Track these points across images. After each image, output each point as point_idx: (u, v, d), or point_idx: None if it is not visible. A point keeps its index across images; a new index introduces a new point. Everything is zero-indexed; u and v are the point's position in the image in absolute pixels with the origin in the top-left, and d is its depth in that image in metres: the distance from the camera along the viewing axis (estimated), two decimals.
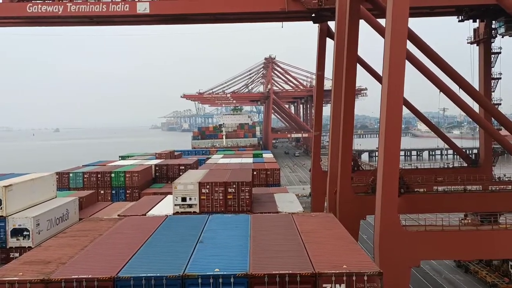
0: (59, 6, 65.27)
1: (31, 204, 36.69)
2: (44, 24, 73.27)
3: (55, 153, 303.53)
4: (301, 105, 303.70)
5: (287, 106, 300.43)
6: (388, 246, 36.64)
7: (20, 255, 28.44)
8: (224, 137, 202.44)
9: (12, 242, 33.28)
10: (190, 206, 35.20)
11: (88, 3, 65.60)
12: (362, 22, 52.66)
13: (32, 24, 72.85)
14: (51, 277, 16.49)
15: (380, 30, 50.68)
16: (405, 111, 55.83)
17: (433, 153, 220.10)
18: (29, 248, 31.41)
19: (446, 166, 76.75)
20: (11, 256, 32.18)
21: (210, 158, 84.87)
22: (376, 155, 53.39)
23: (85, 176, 54.85)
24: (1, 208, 33.31)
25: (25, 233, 33.37)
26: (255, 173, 56.96)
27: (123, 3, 65.61)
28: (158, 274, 16.50)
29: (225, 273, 16.55)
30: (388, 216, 36.72)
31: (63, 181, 54.22)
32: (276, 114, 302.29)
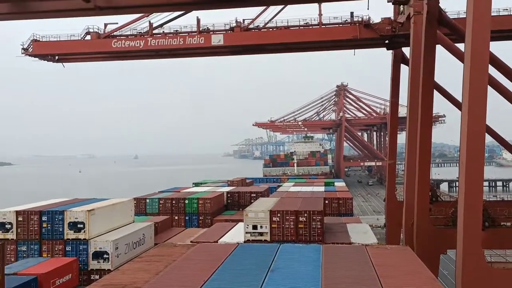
0: (141, 41, 69.87)
1: (111, 228, 38.48)
2: (126, 58, 78.28)
3: (134, 179, 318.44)
4: (374, 133, 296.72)
5: (359, 133, 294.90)
6: (472, 283, 34.12)
7: (100, 277, 29.78)
8: (295, 165, 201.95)
9: (93, 264, 34.97)
10: (261, 234, 35.17)
11: (167, 37, 69.47)
12: (438, 47, 50.90)
13: (116, 58, 78.03)
14: None
15: (459, 54, 48.64)
16: (488, 138, 52.57)
17: None
18: (108, 270, 32.75)
19: None
20: (91, 278, 33.85)
21: (281, 186, 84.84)
22: (456, 185, 50.42)
23: (161, 202, 56.79)
24: (85, 231, 35.30)
25: (105, 256, 34.93)
26: (326, 202, 55.96)
27: (199, 36, 68.75)
28: None
29: None
30: (471, 251, 34.29)
31: (140, 206, 56.46)
32: (348, 142, 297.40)
